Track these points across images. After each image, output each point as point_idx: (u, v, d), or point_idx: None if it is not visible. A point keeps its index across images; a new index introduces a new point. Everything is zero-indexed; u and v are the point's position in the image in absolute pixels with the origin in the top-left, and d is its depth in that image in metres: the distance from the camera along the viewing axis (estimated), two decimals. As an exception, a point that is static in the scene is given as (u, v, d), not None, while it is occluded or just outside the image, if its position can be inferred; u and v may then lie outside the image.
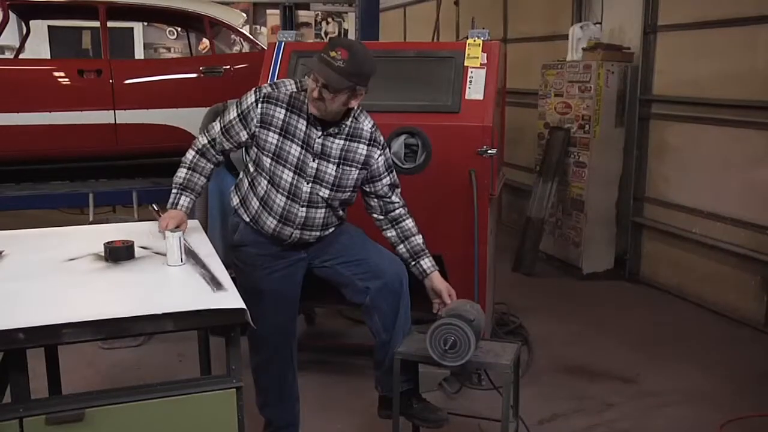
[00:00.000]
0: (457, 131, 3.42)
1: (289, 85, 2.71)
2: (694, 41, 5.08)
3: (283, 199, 2.70)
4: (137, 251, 2.52)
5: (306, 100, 2.65)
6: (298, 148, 2.67)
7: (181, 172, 2.78)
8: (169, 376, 3.42)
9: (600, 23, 5.91)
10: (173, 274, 2.32)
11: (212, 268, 2.31)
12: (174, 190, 2.75)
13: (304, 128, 2.67)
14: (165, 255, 2.39)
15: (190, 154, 2.80)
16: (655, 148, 5.48)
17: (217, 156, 2.80)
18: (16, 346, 1.81)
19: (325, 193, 2.73)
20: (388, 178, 2.85)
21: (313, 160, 2.69)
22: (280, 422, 2.94)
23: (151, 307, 1.95)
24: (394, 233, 2.87)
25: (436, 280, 2.84)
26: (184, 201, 2.74)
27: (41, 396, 2.08)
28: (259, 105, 2.67)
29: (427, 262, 2.85)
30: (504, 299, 4.70)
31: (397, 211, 2.86)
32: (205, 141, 2.78)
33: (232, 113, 2.73)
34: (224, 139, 2.75)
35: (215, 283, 2.18)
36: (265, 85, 2.75)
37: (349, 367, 3.85)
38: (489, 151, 3.39)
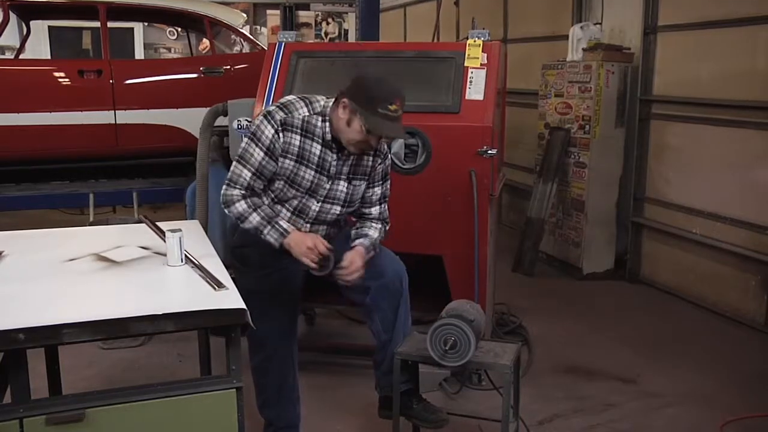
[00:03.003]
0: (458, 131, 3.42)
1: (301, 109, 2.62)
2: (694, 41, 5.08)
3: (288, 214, 2.69)
4: (137, 251, 2.53)
5: (320, 125, 2.60)
6: (312, 173, 2.63)
7: (253, 217, 2.60)
8: (169, 376, 3.43)
9: (600, 23, 5.91)
10: (173, 274, 2.33)
11: (212, 269, 2.32)
12: (267, 228, 2.60)
13: (318, 152, 2.62)
14: (165, 255, 2.39)
15: (242, 205, 2.60)
16: (655, 149, 5.48)
17: (260, 190, 2.66)
18: (16, 347, 1.81)
19: (336, 209, 2.73)
20: (380, 188, 2.82)
21: (328, 182, 2.67)
22: (280, 423, 2.94)
23: (152, 307, 1.95)
24: (355, 229, 2.83)
25: (354, 250, 2.69)
26: (285, 223, 2.63)
27: (41, 396, 2.09)
28: (280, 135, 2.58)
29: (357, 241, 2.74)
30: (504, 299, 4.69)
31: (369, 223, 2.82)
32: (242, 191, 2.61)
33: (257, 153, 2.58)
34: (260, 180, 2.63)
35: (216, 283, 2.18)
36: (275, 109, 2.62)
37: (349, 367, 3.85)
38: (489, 152, 3.39)
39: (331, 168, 2.65)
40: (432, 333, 2.54)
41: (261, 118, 2.61)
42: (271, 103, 3.60)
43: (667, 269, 5.40)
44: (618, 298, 5.28)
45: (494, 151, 3.40)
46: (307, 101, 2.65)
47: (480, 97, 3.45)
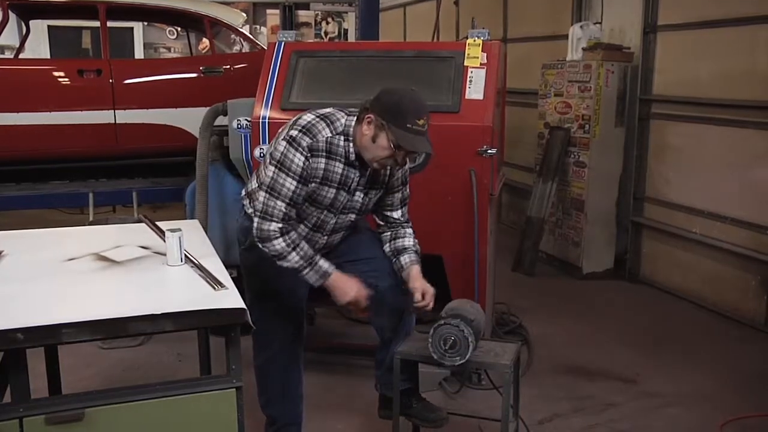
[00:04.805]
0: (457, 131, 3.42)
1: (323, 130, 2.54)
2: (694, 41, 5.08)
3: (306, 229, 2.68)
4: (137, 251, 2.53)
5: (342, 144, 2.55)
6: (333, 191, 2.61)
7: (292, 257, 2.55)
8: (169, 376, 3.43)
9: (600, 23, 5.91)
10: (173, 274, 2.33)
11: (212, 268, 2.31)
12: (306, 270, 2.57)
13: (340, 170, 2.59)
14: (165, 255, 2.39)
15: (280, 243, 2.53)
16: (655, 148, 5.48)
17: (294, 216, 2.61)
18: (15, 346, 1.81)
19: (351, 217, 2.72)
20: (400, 193, 2.80)
21: (346, 196, 2.65)
22: (283, 421, 2.94)
23: (151, 307, 1.95)
24: (388, 243, 2.82)
25: (413, 275, 2.71)
26: (325, 263, 2.60)
27: (41, 396, 2.08)
28: (309, 160, 2.51)
29: (405, 258, 2.75)
30: (504, 299, 4.69)
31: (399, 230, 2.80)
32: (279, 224, 2.54)
33: (290, 183, 2.51)
34: (294, 209, 2.57)
35: (215, 283, 2.18)
36: (299, 134, 2.51)
37: (349, 367, 3.85)
38: (489, 151, 3.39)
39: (353, 184, 2.64)
40: (432, 333, 2.54)
41: (285, 144, 2.51)
42: (270, 102, 3.60)
43: (666, 269, 5.40)
44: (618, 298, 5.28)
45: (494, 151, 3.40)
46: (328, 121, 2.58)
47: (480, 96, 3.45)
